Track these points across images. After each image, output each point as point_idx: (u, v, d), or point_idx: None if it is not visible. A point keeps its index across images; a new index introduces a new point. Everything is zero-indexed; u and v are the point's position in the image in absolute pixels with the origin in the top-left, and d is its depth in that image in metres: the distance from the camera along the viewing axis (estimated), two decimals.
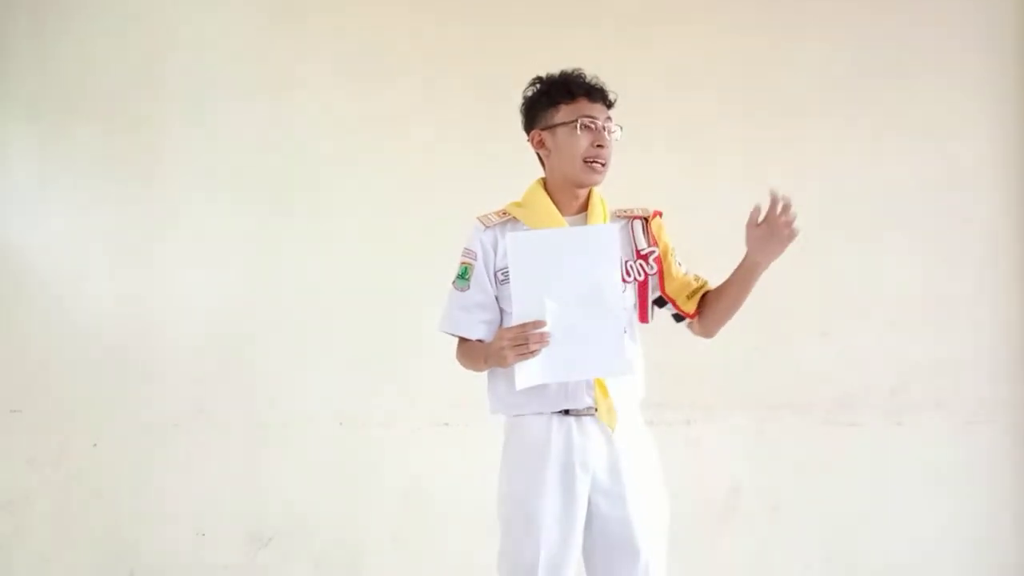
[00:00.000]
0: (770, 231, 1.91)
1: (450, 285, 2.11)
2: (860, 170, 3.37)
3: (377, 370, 3.32)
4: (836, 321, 3.34)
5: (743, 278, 2.02)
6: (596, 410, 2.00)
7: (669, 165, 3.30)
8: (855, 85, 3.38)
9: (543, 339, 1.89)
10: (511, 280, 1.94)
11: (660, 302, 2.11)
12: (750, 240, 1.95)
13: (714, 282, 2.11)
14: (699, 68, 3.38)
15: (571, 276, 1.89)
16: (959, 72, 3.41)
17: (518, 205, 2.11)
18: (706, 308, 2.11)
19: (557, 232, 1.99)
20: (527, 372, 1.92)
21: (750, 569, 3.31)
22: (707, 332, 2.15)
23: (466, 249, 2.10)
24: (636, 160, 2.11)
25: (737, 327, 3.27)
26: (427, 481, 3.29)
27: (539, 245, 1.93)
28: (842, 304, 3.35)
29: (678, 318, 2.13)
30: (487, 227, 2.09)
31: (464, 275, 2.08)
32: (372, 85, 3.37)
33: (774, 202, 1.89)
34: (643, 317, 2.09)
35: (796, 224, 1.90)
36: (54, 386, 3.32)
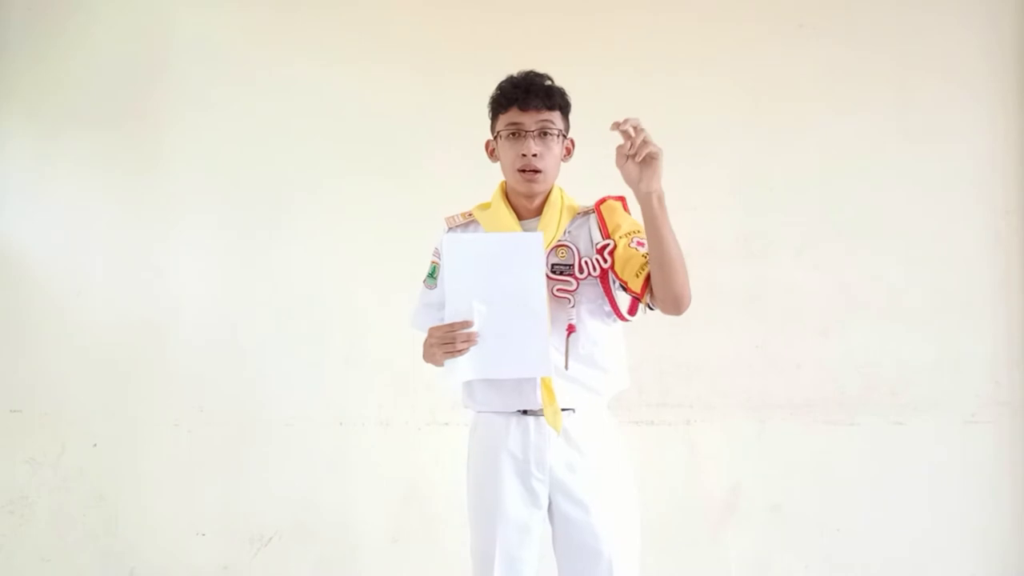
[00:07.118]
0: (637, 160, 1.82)
1: (421, 283, 2.17)
2: (860, 170, 3.36)
3: (377, 370, 3.32)
4: (836, 321, 3.34)
5: (648, 221, 1.85)
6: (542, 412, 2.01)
7: (666, 167, 3.30)
8: (856, 86, 3.38)
9: (470, 338, 1.92)
10: (444, 280, 1.97)
11: (624, 289, 1.98)
12: (628, 178, 1.85)
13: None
14: (699, 70, 3.37)
15: (500, 280, 1.93)
16: (959, 73, 3.40)
17: (483, 207, 2.15)
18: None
19: (488, 237, 2.06)
20: (455, 369, 1.97)
21: (750, 569, 3.31)
22: (665, 305, 1.92)
23: (435, 248, 2.17)
24: None
25: (737, 326, 3.33)
26: (426, 481, 3.29)
27: (472, 248, 1.98)
28: (842, 304, 3.34)
29: (642, 303, 1.96)
30: (449, 228, 2.16)
31: (432, 274, 2.16)
32: (373, 84, 3.37)
33: (626, 136, 1.82)
34: (618, 313, 2.03)
35: (651, 142, 1.81)
36: (54, 386, 3.33)
